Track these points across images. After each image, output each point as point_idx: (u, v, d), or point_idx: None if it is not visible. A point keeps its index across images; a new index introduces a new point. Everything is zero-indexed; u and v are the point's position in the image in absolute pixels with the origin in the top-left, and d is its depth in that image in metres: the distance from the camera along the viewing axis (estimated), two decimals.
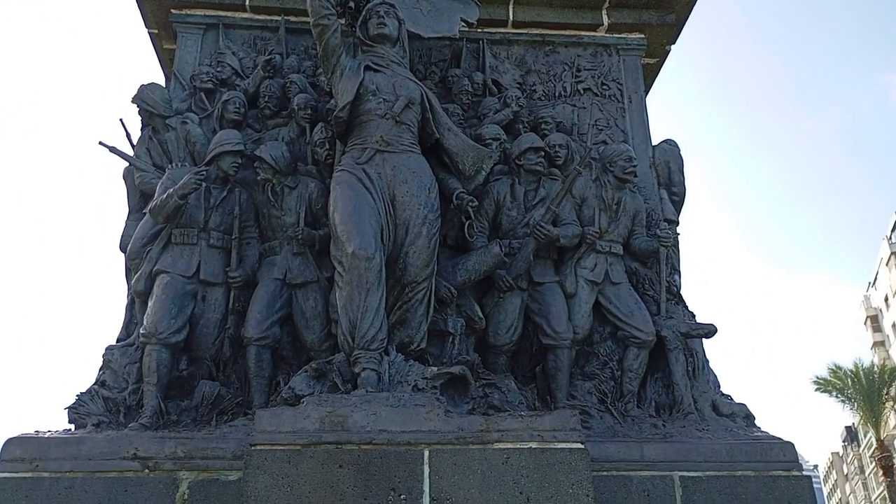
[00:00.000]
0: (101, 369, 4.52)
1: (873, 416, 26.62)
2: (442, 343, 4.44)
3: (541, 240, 4.70)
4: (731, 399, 4.78)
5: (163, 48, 5.90)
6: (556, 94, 5.63)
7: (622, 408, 4.62)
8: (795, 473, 4.22)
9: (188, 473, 3.87)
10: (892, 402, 27.65)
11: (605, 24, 5.75)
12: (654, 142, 5.57)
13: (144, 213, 4.72)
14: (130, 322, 4.71)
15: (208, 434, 4.12)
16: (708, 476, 4.14)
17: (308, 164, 4.91)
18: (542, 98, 5.60)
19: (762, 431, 4.52)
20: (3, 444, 3.94)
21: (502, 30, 5.72)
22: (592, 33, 5.80)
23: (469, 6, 5.30)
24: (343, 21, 4.73)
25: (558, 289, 4.81)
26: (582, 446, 3.55)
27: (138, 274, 4.59)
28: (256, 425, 3.54)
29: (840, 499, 57.48)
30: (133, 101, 5.05)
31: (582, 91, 5.66)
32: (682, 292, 5.12)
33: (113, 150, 4.91)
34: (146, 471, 3.87)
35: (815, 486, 4.44)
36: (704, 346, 4.93)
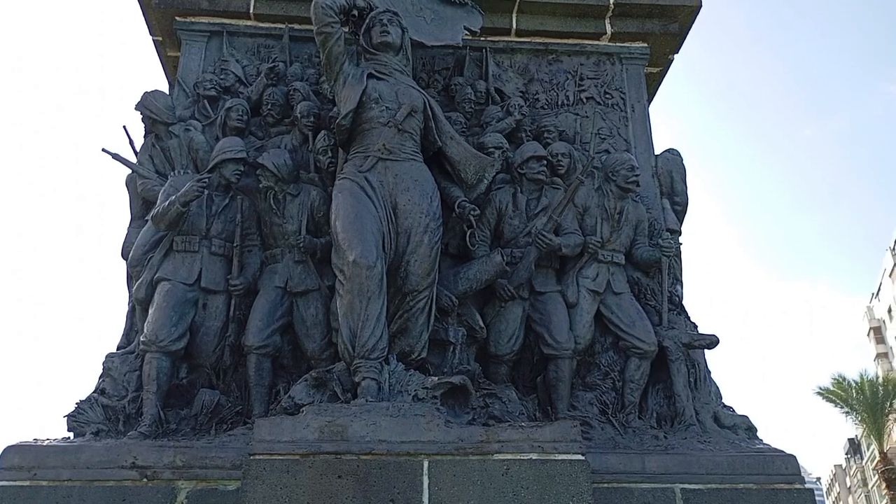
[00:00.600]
0: (100, 377, 4.51)
1: (877, 429, 26.48)
2: (443, 352, 4.42)
3: (542, 249, 4.69)
4: (733, 411, 4.75)
5: (167, 56, 5.91)
6: (559, 103, 5.63)
7: (623, 419, 4.59)
8: (798, 486, 4.19)
9: (187, 483, 3.85)
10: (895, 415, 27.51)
11: (609, 33, 5.75)
12: (657, 151, 5.57)
13: (147, 221, 4.72)
14: (131, 330, 4.70)
15: (207, 443, 4.10)
16: (709, 489, 4.11)
17: (310, 171, 4.90)
18: (545, 107, 5.60)
19: (764, 444, 4.49)
20: (1, 451, 3.93)
21: (505, 38, 5.72)
22: (595, 42, 5.80)
23: (472, 14, 5.31)
24: (346, 29, 4.73)
25: (560, 298, 4.79)
26: (582, 458, 3.53)
27: (139, 281, 4.58)
28: (255, 435, 3.53)
29: None
30: (136, 109, 5.06)
31: (585, 100, 5.65)
32: (684, 302, 5.10)
33: (116, 156, 4.92)
34: (145, 480, 3.85)
35: (817, 498, 4.40)
36: (706, 356, 4.91)
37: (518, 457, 3.49)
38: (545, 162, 4.94)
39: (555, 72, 5.73)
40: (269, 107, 5.14)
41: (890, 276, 41.71)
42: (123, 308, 4.81)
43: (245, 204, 4.75)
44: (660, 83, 6.27)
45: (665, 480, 4.11)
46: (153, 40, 5.88)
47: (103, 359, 4.57)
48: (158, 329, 4.36)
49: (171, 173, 4.86)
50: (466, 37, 5.31)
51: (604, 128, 5.54)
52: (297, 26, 5.47)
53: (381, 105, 4.46)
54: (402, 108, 4.45)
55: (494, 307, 4.72)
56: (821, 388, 27.33)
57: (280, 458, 3.42)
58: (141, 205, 5.00)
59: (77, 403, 4.37)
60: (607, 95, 5.68)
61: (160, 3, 5.48)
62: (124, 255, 4.86)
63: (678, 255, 5.19)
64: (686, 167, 5.54)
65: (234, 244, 4.65)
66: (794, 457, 4.31)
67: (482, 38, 5.53)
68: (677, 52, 6.05)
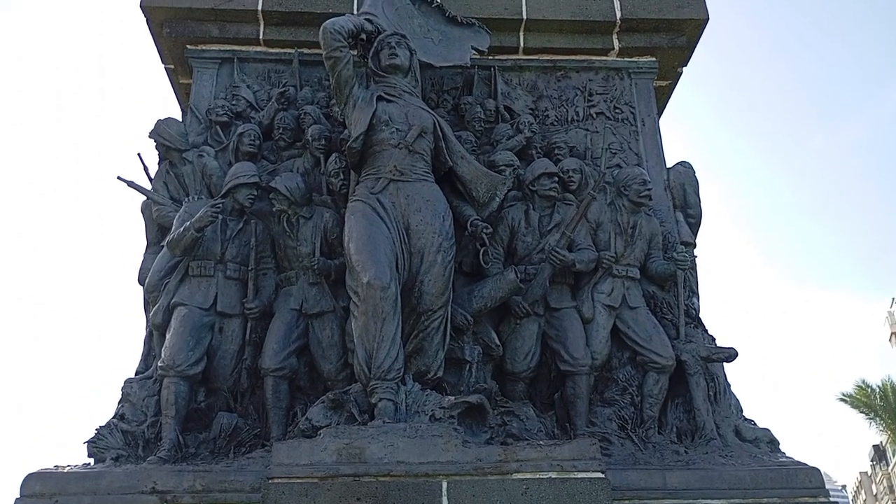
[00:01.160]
0: (119, 402, 4.54)
1: None
2: (459, 371, 4.41)
3: (556, 265, 4.68)
4: (755, 424, 4.70)
5: (179, 83, 5.99)
6: (569, 119, 5.62)
7: (643, 434, 4.55)
8: (822, 500, 4.13)
9: None
10: None
11: (616, 48, 5.75)
12: (669, 164, 5.55)
13: (162, 247, 4.77)
14: (149, 355, 4.74)
15: (226, 467, 4.11)
16: (733, 503, 4.07)
17: (323, 194, 4.93)
18: (555, 123, 5.60)
19: (787, 457, 4.43)
20: (22, 479, 3.96)
21: (513, 56, 5.74)
22: (604, 58, 5.81)
23: (480, 34, 5.34)
24: (355, 52, 4.77)
25: (575, 314, 4.77)
26: (602, 475, 3.50)
27: (156, 307, 4.62)
28: (274, 458, 3.54)
29: None
30: (150, 136, 5.12)
31: (594, 115, 5.65)
32: (700, 315, 5.07)
33: (131, 184, 4.97)
34: None
35: None
36: (725, 369, 4.87)
37: (537, 476, 3.47)
38: (556, 178, 4.94)
39: (564, 88, 5.74)
40: (280, 131, 5.18)
41: None
42: (141, 333, 4.85)
43: (259, 228, 4.79)
44: (669, 96, 6.27)
45: (687, 496, 4.07)
46: (165, 68, 5.96)
47: (122, 384, 4.60)
48: (176, 354, 4.39)
49: (186, 199, 4.91)
50: (474, 56, 5.33)
51: (614, 142, 5.54)
52: (306, 51, 5.51)
53: (391, 127, 4.49)
54: (412, 129, 4.48)
55: (510, 324, 4.71)
56: (844, 395, 26.99)
57: (298, 481, 3.42)
58: (156, 231, 5.05)
59: (97, 429, 4.40)
60: (617, 110, 5.68)
61: (171, 31, 5.55)
62: (141, 280, 4.91)
63: (693, 267, 5.16)
64: (699, 179, 5.52)
65: (249, 268, 4.68)
66: (818, 470, 4.25)
67: (490, 57, 5.55)
68: (686, 65, 6.05)
